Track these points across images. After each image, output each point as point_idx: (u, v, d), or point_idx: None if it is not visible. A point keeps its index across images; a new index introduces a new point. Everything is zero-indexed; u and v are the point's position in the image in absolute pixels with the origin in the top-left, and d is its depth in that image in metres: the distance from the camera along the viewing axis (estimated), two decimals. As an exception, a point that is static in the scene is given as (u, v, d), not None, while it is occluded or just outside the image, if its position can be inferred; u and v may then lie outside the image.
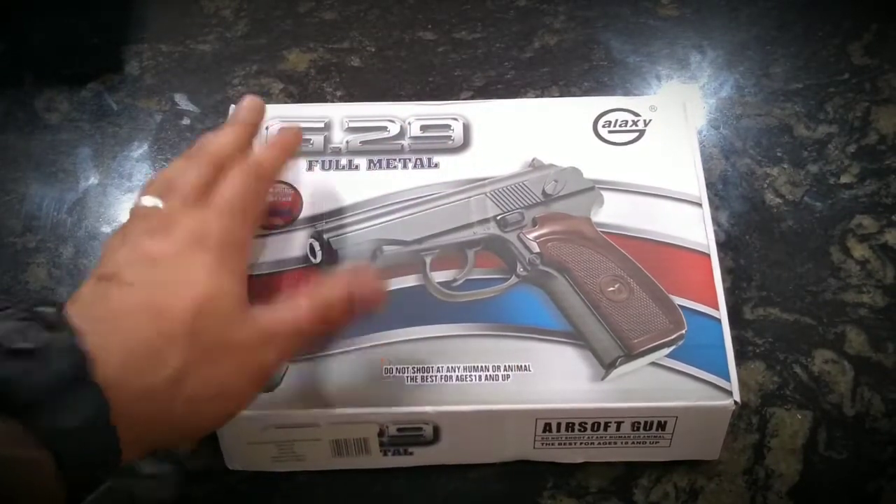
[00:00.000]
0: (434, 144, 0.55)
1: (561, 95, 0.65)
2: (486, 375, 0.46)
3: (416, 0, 0.70)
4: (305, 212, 0.52)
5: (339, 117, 0.56)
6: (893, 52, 0.66)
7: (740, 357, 0.52)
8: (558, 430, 0.47)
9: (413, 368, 0.47)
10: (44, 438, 0.33)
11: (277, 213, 0.52)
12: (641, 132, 0.55)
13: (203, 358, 0.37)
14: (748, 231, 0.58)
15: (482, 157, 0.54)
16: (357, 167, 0.54)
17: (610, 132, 0.55)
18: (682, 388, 0.46)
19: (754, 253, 0.57)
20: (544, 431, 0.47)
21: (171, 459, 0.50)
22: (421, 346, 0.47)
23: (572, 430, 0.47)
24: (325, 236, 0.51)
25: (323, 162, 0.54)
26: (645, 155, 0.54)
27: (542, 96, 0.65)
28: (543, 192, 0.53)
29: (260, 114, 0.48)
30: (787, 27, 0.68)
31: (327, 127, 0.55)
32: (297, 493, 0.49)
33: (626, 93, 0.65)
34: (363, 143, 0.55)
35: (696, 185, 0.53)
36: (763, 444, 0.50)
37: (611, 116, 0.56)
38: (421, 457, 0.48)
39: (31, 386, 0.33)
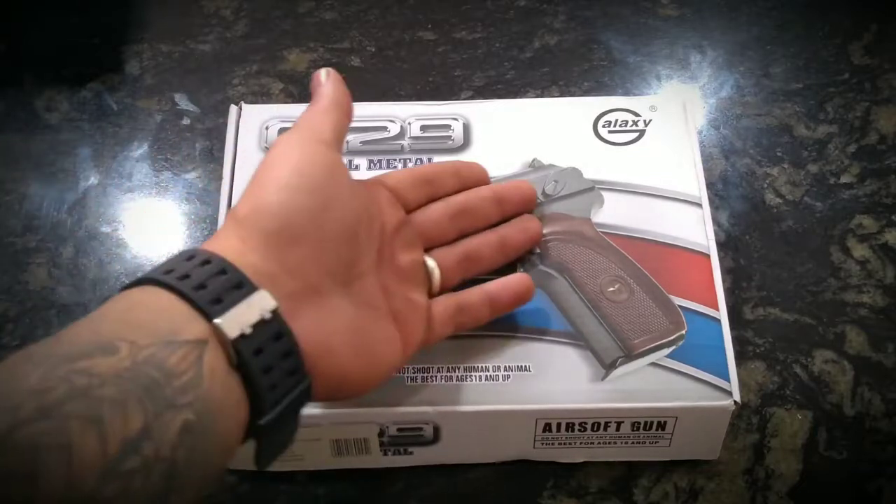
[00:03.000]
0: (434, 144, 0.55)
1: (561, 95, 0.65)
2: (486, 375, 0.46)
3: (416, 0, 0.70)
4: (305, 212, 0.52)
5: (339, 117, 0.56)
6: (893, 52, 0.66)
7: (740, 357, 0.52)
8: (558, 430, 0.47)
9: (413, 368, 0.47)
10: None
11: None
12: (641, 132, 0.55)
13: None
14: (748, 231, 0.58)
15: (482, 157, 0.54)
16: (357, 167, 0.54)
17: (610, 132, 0.55)
18: (682, 388, 0.46)
19: (754, 253, 0.57)
20: (544, 431, 0.47)
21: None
22: (421, 346, 0.47)
23: (572, 430, 0.47)
24: (326, 236, 0.51)
25: (323, 162, 0.54)
26: (645, 155, 0.54)
27: (542, 96, 0.65)
28: (543, 193, 0.53)
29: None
30: (787, 27, 0.68)
31: (327, 127, 0.55)
32: (297, 493, 0.49)
33: (626, 93, 0.65)
34: (363, 143, 0.55)
35: (696, 185, 0.53)
36: (763, 444, 0.50)
37: (611, 116, 0.56)
38: (421, 457, 0.49)
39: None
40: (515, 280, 0.47)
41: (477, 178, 0.50)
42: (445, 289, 0.46)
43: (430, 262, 0.46)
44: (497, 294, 0.46)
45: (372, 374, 0.41)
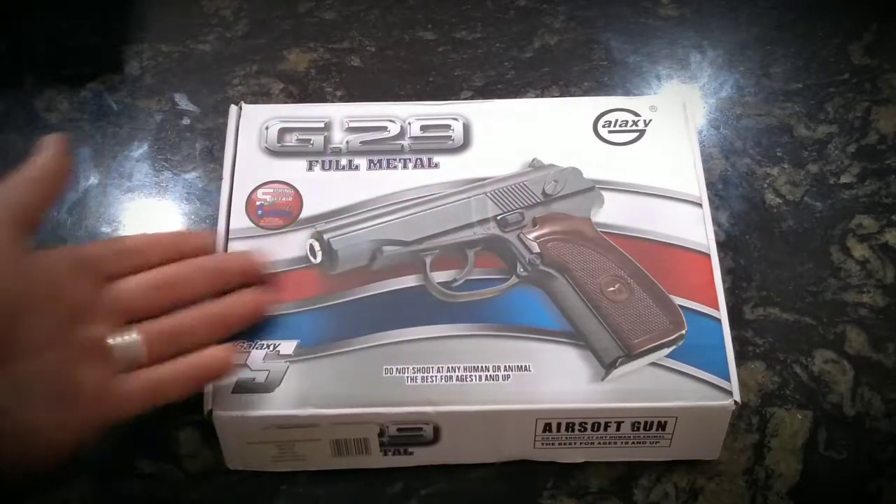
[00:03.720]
0: (434, 144, 0.55)
1: (561, 95, 0.65)
2: (486, 375, 0.46)
3: (415, 0, 0.70)
4: (305, 212, 0.52)
5: (339, 117, 0.56)
6: (893, 52, 0.66)
7: (740, 357, 0.52)
8: (558, 430, 0.47)
9: (413, 368, 0.47)
10: None
11: (277, 213, 0.52)
12: (641, 132, 0.55)
13: None
14: (748, 231, 0.58)
15: (482, 157, 0.54)
16: (357, 167, 0.54)
17: (610, 132, 0.55)
18: (682, 388, 0.46)
19: (754, 253, 0.57)
20: (544, 431, 0.47)
21: (169, 457, 0.50)
22: (421, 346, 0.47)
23: (572, 430, 0.47)
24: (326, 236, 0.51)
25: (323, 162, 0.54)
26: (645, 155, 0.54)
27: (542, 96, 0.65)
28: (543, 192, 0.53)
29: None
30: (787, 27, 0.68)
31: (327, 127, 0.55)
32: (297, 493, 0.49)
33: (626, 93, 0.65)
34: (363, 143, 0.55)
35: (696, 185, 0.53)
36: (763, 444, 0.50)
37: (611, 116, 0.56)
38: (421, 457, 0.49)
39: None
40: (211, 355, 0.45)
41: (196, 247, 0.48)
42: (154, 362, 0.44)
43: (131, 336, 0.43)
44: (193, 368, 0.44)
45: (36, 458, 0.39)
